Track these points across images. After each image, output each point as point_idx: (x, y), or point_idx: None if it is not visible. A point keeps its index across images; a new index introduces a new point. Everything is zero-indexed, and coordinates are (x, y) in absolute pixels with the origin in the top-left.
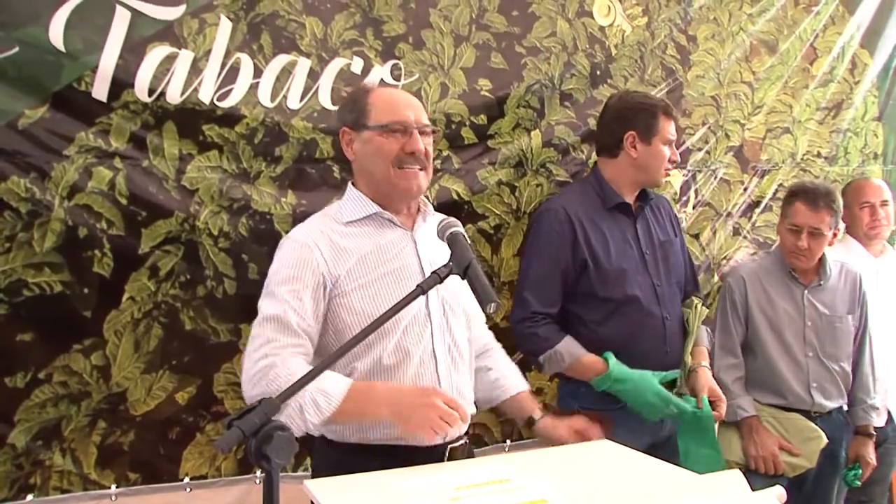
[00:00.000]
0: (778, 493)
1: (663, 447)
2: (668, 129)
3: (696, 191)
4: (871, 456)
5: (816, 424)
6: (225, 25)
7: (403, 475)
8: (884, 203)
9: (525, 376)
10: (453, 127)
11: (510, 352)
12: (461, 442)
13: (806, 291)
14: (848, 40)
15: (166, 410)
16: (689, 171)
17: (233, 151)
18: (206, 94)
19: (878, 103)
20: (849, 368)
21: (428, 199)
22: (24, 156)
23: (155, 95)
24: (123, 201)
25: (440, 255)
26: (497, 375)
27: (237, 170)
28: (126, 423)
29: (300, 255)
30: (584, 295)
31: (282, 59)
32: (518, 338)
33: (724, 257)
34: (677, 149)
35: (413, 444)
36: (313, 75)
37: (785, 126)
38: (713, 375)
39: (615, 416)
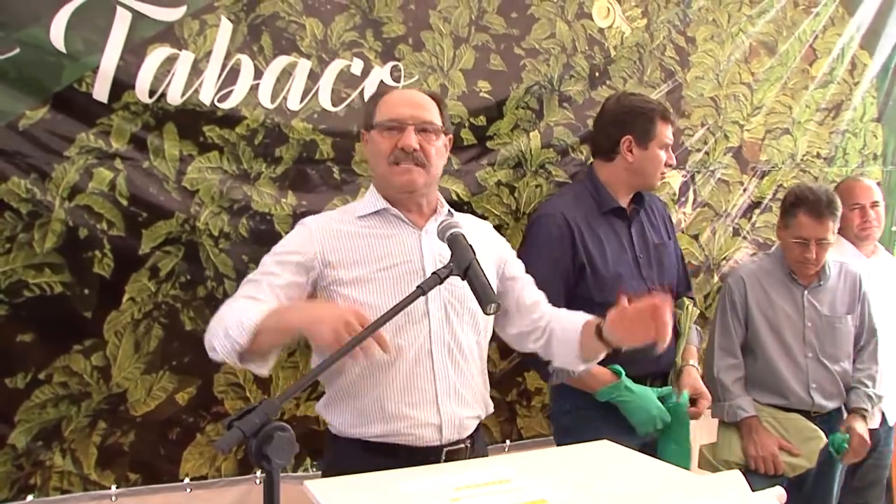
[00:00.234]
0: (778, 493)
1: (652, 447)
2: (666, 133)
3: (694, 191)
4: (862, 430)
5: (816, 425)
6: (225, 27)
7: (404, 475)
8: (874, 204)
9: (523, 377)
10: (452, 128)
11: (510, 357)
12: (460, 445)
13: (806, 292)
14: (847, 41)
15: (166, 411)
16: (687, 171)
17: (233, 152)
18: (206, 96)
19: (878, 104)
20: (849, 368)
21: None
22: (24, 156)
23: (156, 96)
24: (124, 202)
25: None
26: (560, 331)
27: (237, 171)
28: (126, 424)
29: (299, 234)
30: (582, 299)
31: (282, 61)
32: None
33: (724, 258)
34: (676, 150)
35: (411, 445)
36: (313, 76)
37: (784, 127)
38: (714, 376)
39: (609, 417)
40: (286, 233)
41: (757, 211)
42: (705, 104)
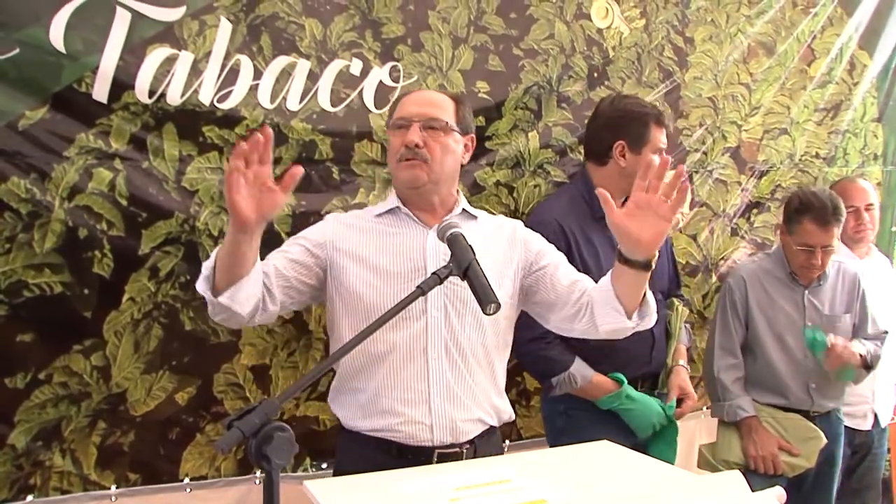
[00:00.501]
0: (777, 493)
1: (645, 447)
2: (659, 138)
3: (692, 191)
4: (844, 350)
5: (815, 424)
6: (225, 27)
7: (403, 476)
8: (868, 206)
9: (523, 377)
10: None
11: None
12: (454, 449)
13: (806, 292)
14: (846, 41)
15: (166, 411)
16: (685, 171)
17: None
18: (206, 96)
19: (878, 104)
20: None
21: None
22: (24, 157)
23: (155, 97)
24: (124, 202)
25: None
26: (597, 294)
27: None
28: (126, 424)
29: (319, 224)
30: None
31: (281, 61)
32: (527, 359)
33: (722, 258)
34: (674, 150)
35: (402, 442)
36: (313, 77)
37: (783, 127)
38: (714, 375)
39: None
40: (285, 232)
41: (755, 211)
42: (703, 104)
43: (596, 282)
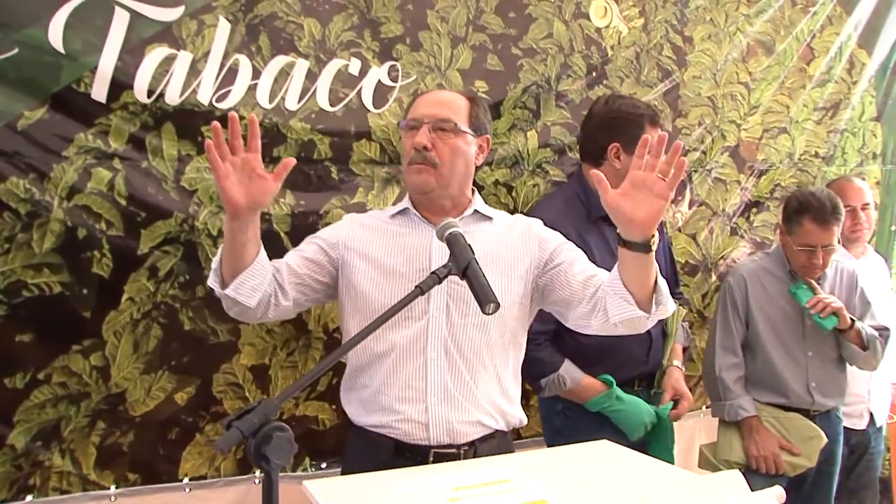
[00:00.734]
0: (777, 493)
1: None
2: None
3: (691, 190)
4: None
5: (815, 423)
6: (223, 27)
7: (402, 475)
8: (864, 206)
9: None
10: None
11: None
12: (451, 450)
13: None
14: (845, 40)
15: (165, 411)
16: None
17: None
18: (204, 96)
19: (876, 103)
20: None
21: None
22: (23, 157)
23: (154, 97)
24: (122, 202)
25: None
26: (609, 286)
27: None
28: (125, 424)
29: (335, 224)
30: None
31: (280, 61)
32: None
33: (721, 257)
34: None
35: (398, 439)
36: (311, 76)
37: (782, 126)
38: (716, 374)
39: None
40: (284, 232)
41: (755, 210)
42: (702, 103)
43: None
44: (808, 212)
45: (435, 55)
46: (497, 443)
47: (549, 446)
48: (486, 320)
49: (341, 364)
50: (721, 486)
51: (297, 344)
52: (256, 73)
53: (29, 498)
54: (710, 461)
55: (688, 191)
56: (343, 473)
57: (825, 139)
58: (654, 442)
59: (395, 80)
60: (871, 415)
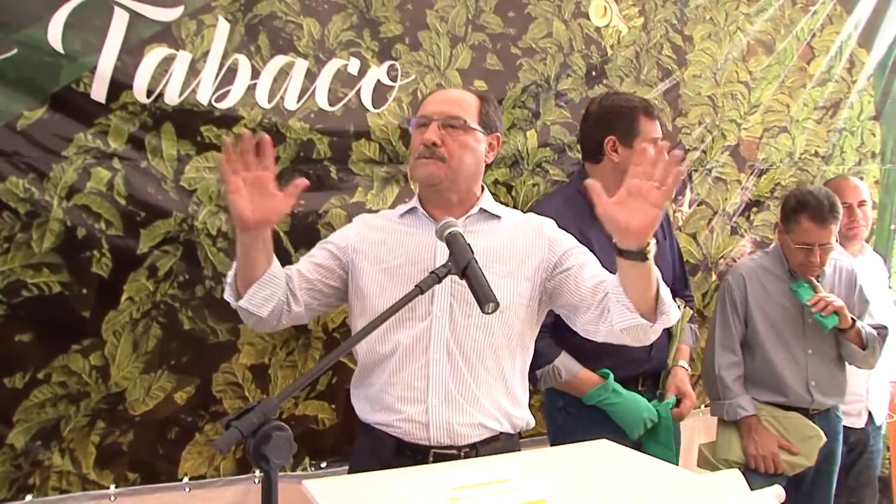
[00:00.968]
0: (776, 492)
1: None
2: (651, 129)
3: (691, 189)
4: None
5: (815, 422)
6: (223, 27)
7: (401, 475)
8: (861, 203)
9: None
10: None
11: None
12: (452, 451)
13: None
14: (845, 39)
15: (165, 410)
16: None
17: None
18: (204, 96)
19: (875, 102)
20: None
21: None
22: (22, 157)
23: (153, 97)
24: (122, 202)
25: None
26: (612, 292)
27: None
28: (125, 424)
29: (346, 226)
30: None
31: (279, 60)
32: None
33: (722, 256)
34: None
35: (400, 438)
36: (310, 76)
37: (782, 125)
38: (716, 373)
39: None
40: (284, 232)
41: (755, 209)
42: (703, 103)
43: None
44: (806, 210)
45: (434, 55)
46: (501, 445)
47: (551, 444)
48: (489, 321)
49: (341, 364)
50: (720, 486)
51: (297, 344)
52: (255, 73)
53: (28, 497)
54: (709, 460)
55: (688, 190)
56: (350, 470)
57: (825, 138)
58: (653, 439)
59: (394, 79)
60: (870, 413)
